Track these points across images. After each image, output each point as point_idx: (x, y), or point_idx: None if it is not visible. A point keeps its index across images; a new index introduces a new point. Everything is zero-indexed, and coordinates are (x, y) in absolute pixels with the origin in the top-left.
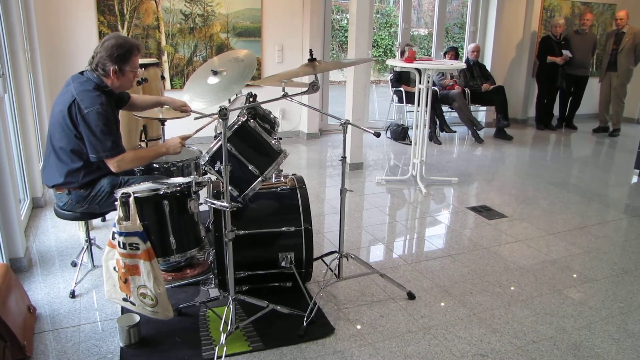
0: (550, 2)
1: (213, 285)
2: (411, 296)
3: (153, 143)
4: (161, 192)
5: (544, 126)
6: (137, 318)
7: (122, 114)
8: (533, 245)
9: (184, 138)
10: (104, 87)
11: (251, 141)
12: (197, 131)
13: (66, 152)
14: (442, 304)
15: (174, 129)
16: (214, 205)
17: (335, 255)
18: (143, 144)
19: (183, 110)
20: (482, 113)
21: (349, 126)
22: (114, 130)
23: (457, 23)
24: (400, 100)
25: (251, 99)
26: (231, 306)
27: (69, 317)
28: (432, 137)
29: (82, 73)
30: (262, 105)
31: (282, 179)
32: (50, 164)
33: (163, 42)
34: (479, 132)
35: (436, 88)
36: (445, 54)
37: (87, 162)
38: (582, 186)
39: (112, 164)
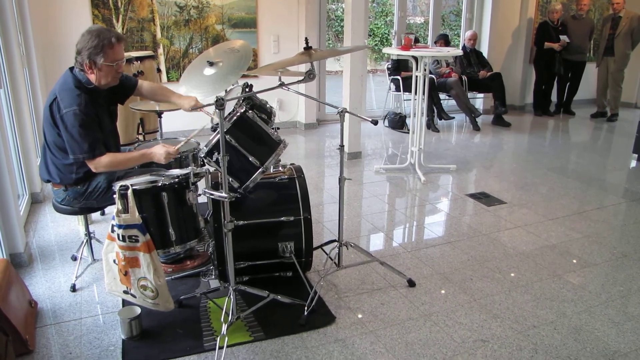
0: None
1: (213, 277)
2: (411, 283)
3: (151, 136)
4: (159, 184)
5: (541, 112)
6: (138, 310)
7: (119, 108)
8: (532, 231)
9: (173, 152)
10: (88, 84)
11: (250, 132)
12: (187, 139)
13: (56, 147)
14: (443, 291)
15: (171, 122)
16: (212, 197)
17: (335, 244)
18: (141, 137)
19: (195, 109)
20: (479, 100)
21: (347, 115)
22: (92, 132)
23: (454, 10)
24: (398, 89)
25: (247, 90)
26: (232, 297)
27: (70, 310)
28: (430, 125)
29: (71, 68)
30: (259, 96)
31: (280, 168)
32: (46, 158)
33: (158, 35)
34: (477, 119)
35: (433, 76)
36: (436, 42)
37: None
38: (580, 171)
39: (91, 165)
